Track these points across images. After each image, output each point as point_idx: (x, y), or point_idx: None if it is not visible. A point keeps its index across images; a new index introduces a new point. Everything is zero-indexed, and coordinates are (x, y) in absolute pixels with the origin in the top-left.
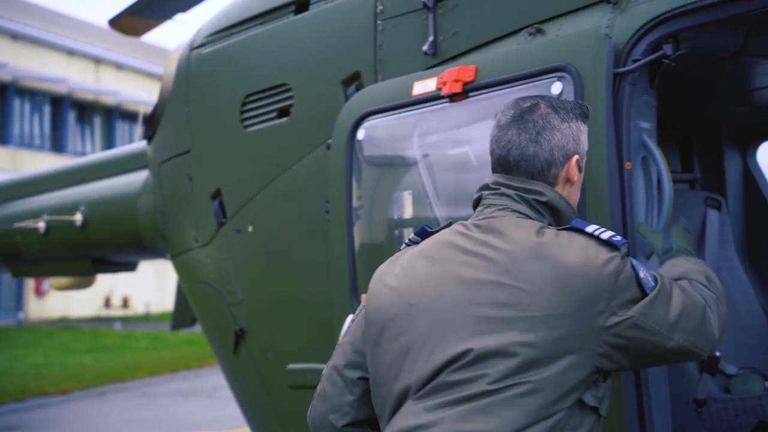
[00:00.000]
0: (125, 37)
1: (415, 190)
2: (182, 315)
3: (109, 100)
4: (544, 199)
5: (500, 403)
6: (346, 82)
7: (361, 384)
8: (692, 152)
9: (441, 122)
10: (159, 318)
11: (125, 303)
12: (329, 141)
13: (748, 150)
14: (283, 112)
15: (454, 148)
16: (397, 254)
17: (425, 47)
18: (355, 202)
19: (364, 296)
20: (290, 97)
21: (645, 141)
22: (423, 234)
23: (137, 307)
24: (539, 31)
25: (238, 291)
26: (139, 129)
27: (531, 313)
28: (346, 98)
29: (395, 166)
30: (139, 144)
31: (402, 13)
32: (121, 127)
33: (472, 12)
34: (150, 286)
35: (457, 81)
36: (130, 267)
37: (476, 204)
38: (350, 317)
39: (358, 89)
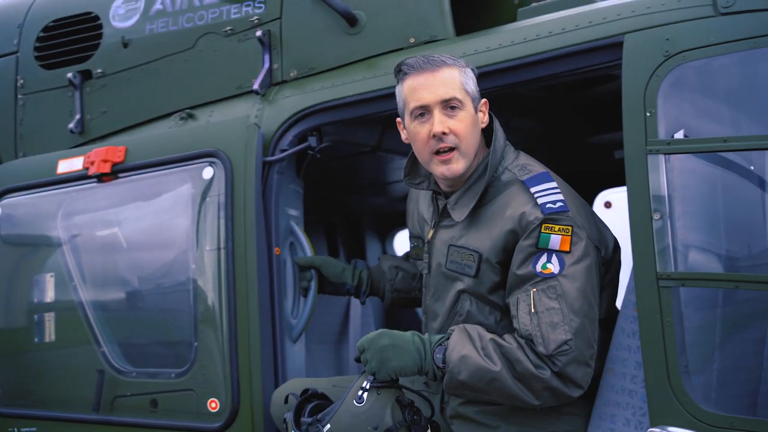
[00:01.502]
0: None
1: (59, 272)
2: None
3: None
4: None
5: None
6: None
7: None
8: (338, 238)
9: (88, 202)
10: None
11: None
12: None
13: (386, 237)
14: None
15: (102, 229)
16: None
17: (71, 125)
18: None
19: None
20: None
21: (292, 227)
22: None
23: None
24: (190, 116)
25: None
26: None
27: None
28: None
29: (37, 246)
30: None
31: (46, 89)
32: None
33: (121, 93)
34: None
35: (105, 161)
36: None
37: None
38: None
39: None
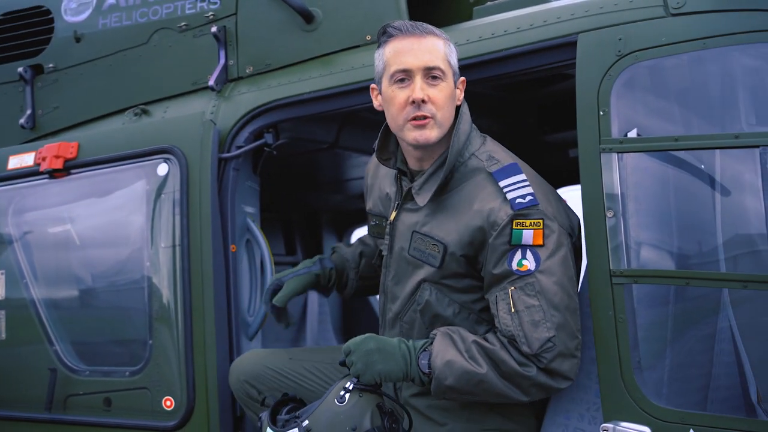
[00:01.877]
0: None
1: (10, 270)
2: None
3: None
4: None
5: None
6: None
7: None
8: (295, 235)
9: (40, 199)
10: None
11: None
12: None
13: (344, 234)
14: None
15: (54, 226)
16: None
17: (22, 120)
18: None
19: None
20: None
21: (249, 224)
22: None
23: None
24: (145, 112)
25: None
26: None
27: None
28: None
29: None
30: None
31: None
32: None
33: (73, 88)
34: None
35: (57, 157)
36: None
37: None
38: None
39: None
